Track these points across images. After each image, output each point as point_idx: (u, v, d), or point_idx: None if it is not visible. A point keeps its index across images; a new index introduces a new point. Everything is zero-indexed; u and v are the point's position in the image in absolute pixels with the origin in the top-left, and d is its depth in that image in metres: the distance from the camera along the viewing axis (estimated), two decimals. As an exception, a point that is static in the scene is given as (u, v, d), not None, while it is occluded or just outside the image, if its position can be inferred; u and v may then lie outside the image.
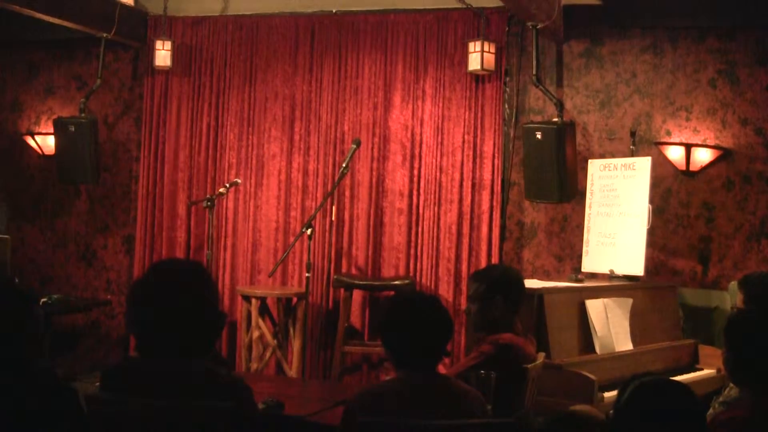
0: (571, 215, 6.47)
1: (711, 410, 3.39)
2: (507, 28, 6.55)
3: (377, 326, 6.73)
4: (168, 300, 2.55)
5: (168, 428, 2.49)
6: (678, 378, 4.96)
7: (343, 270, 6.84)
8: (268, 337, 6.70)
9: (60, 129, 7.15)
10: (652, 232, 5.79)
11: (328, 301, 6.84)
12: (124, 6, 7.07)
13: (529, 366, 3.57)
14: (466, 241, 6.57)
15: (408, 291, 3.26)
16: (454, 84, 6.66)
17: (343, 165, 6.09)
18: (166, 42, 7.11)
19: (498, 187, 6.54)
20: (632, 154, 6.02)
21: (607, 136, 6.46)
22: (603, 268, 5.74)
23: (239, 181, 6.78)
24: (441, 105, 6.69)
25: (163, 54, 7.11)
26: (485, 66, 6.39)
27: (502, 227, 6.57)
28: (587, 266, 5.94)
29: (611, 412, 2.34)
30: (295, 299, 6.67)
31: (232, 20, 7.22)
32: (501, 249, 6.55)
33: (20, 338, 2.69)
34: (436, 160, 6.68)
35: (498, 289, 3.77)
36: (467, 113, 6.62)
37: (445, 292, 6.59)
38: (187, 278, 2.62)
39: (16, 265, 7.36)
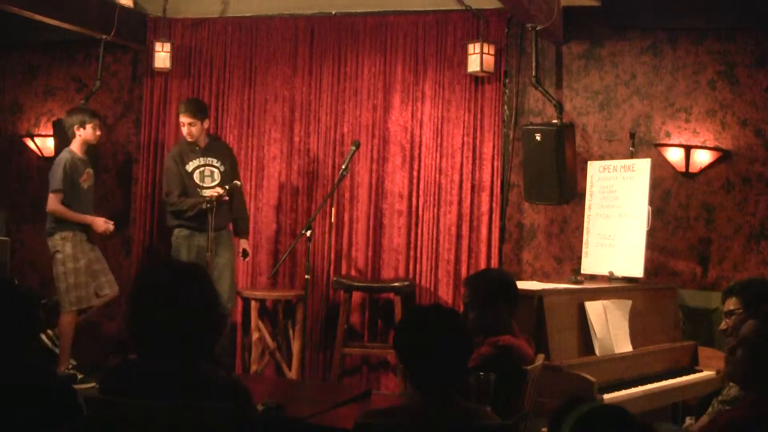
0: (571, 217, 6.47)
1: (710, 410, 3.39)
2: (506, 30, 6.55)
3: (386, 333, 6.77)
4: (167, 301, 2.55)
5: (167, 429, 2.49)
6: (678, 379, 4.98)
7: (343, 272, 6.84)
8: (268, 338, 6.71)
9: (59, 131, 7.15)
10: (651, 234, 5.79)
11: (328, 302, 6.84)
12: (123, 8, 7.07)
13: (529, 367, 3.57)
14: (465, 242, 6.57)
15: (428, 309, 3.05)
16: (453, 85, 6.66)
17: (343, 167, 6.09)
18: (165, 44, 7.11)
19: (497, 189, 6.54)
20: (632, 155, 6.02)
21: (607, 137, 6.46)
22: (602, 270, 5.73)
23: (239, 183, 6.78)
24: (440, 106, 6.69)
25: (162, 56, 7.11)
26: (485, 67, 6.39)
27: (502, 229, 6.57)
28: (587, 268, 5.94)
29: None
30: (294, 301, 6.67)
31: (232, 22, 7.22)
32: (500, 251, 6.55)
33: (21, 339, 2.69)
34: (436, 162, 6.68)
35: (499, 294, 3.77)
36: (467, 115, 6.62)
37: (445, 293, 6.59)
38: (187, 279, 2.62)
39: (16, 267, 7.36)
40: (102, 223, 6.43)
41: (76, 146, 6.42)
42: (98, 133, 6.52)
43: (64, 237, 6.30)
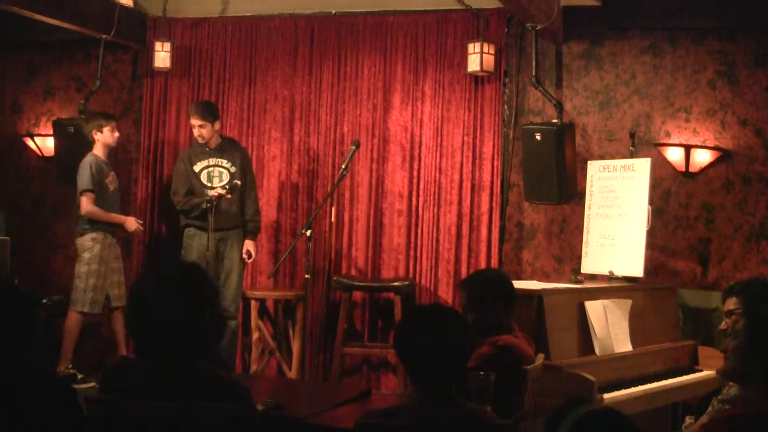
0: (571, 216, 6.47)
1: (710, 409, 3.39)
2: (506, 29, 6.55)
3: (386, 333, 6.77)
4: (168, 301, 2.55)
5: (167, 429, 2.49)
6: (678, 379, 4.97)
7: (343, 271, 6.84)
8: (268, 338, 6.71)
9: (59, 130, 7.16)
10: (651, 234, 5.79)
11: (328, 302, 6.83)
12: (123, 7, 7.07)
13: (529, 367, 3.57)
14: (465, 242, 6.57)
15: (428, 309, 3.05)
16: (453, 85, 6.66)
17: (343, 166, 6.08)
18: (165, 43, 7.11)
19: (497, 189, 6.54)
20: (632, 155, 6.02)
21: (607, 137, 6.46)
22: (602, 270, 5.73)
23: (239, 182, 6.77)
24: (440, 106, 6.69)
25: (162, 55, 7.11)
26: (484, 67, 6.39)
27: (502, 228, 6.57)
28: (587, 267, 5.93)
29: None
30: (294, 301, 6.67)
31: (232, 21, 7.22)
32: (500, 250, 6.55)
33: (21, 339, 2.69)
34: (436, 162, 6.68)
35: (496, 294, 3.77)
36: (467, 114, 6.62)
37: (444, 293, 6.59)
38: (187, 279, 2.62)
39: (16, 267, 7.35)
40: (133, 222, 6.58)
41: (98, 150, 6.53)
42: (116, 134, 6.63)
43: (95, 238, 6.39)
